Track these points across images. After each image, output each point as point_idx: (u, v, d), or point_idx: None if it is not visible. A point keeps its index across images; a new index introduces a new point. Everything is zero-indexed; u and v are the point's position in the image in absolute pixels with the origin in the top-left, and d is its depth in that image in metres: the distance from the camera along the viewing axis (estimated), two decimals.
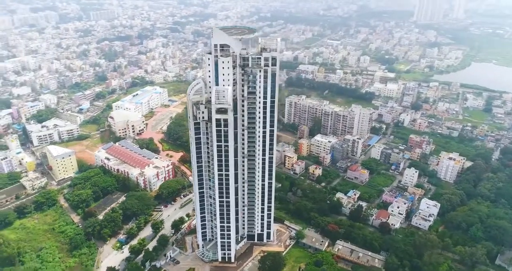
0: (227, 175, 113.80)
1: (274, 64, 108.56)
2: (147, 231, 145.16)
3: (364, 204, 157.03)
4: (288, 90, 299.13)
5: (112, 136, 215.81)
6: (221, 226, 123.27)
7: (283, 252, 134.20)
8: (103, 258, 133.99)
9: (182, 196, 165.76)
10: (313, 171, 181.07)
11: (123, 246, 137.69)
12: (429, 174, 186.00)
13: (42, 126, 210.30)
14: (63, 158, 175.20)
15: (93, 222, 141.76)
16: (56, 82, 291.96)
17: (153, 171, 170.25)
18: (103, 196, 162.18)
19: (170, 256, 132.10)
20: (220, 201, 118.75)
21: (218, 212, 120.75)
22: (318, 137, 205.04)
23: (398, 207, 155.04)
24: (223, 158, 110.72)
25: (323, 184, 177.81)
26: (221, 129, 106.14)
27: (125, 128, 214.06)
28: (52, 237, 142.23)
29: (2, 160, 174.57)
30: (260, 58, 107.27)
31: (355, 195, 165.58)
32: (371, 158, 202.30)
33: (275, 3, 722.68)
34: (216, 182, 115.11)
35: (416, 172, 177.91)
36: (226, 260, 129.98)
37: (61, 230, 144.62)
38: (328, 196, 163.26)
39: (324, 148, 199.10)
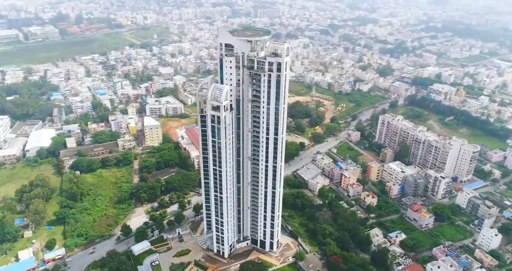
0: (220, 171, 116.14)
1: (279, 69, 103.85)
2: (175, 206, 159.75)
3: (395, 249, 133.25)
4: (406, 108, 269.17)
5: None
6: (215, 220, 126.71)
7: (276, 266, 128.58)
8: (132, 217, 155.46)
9: None
10: (364, 198, 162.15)
11: (151, 212, 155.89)
12: None
13: (156, 101, 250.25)
14: (151, 128, 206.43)
15: (139, 185, 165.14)
16: (194, 67, 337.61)
17: None
18: (164, 167, 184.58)
19: (179, 233, 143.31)
20: (214, 195, 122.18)
21: (213, 206, 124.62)
22: (393, 164, 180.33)
23: (439, 267, 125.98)
24: (217, 154, 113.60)
25: (372, 215, 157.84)
26: (214, 126, 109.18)
27: None
28: (112, 189, 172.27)
29: (112, 120, 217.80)
30: (264, 62, 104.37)
31: (396, 237, 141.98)
32: (455, 204, 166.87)
33: (454, 13, 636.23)
34: (211, 176, 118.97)
35: (496, 235, 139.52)
36: (221, 254, 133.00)
37: (120, 185, 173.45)
38: (363, 229, 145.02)
39: (395, 177, 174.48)
